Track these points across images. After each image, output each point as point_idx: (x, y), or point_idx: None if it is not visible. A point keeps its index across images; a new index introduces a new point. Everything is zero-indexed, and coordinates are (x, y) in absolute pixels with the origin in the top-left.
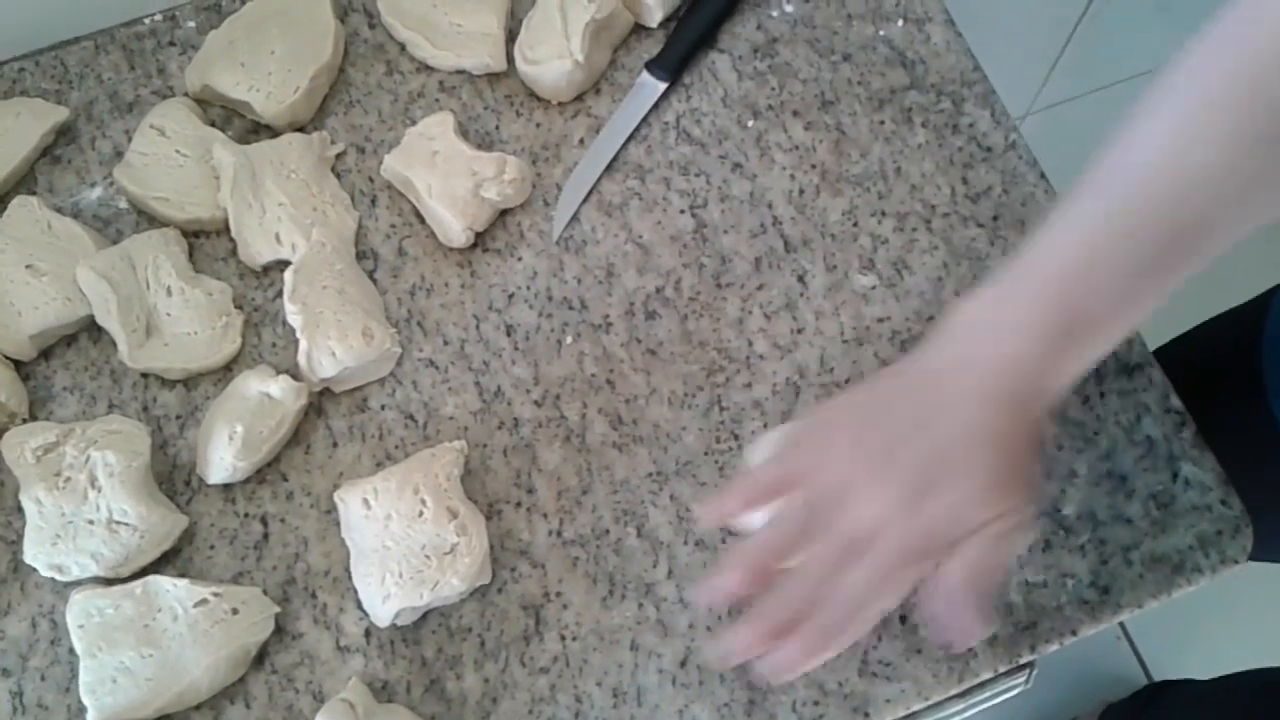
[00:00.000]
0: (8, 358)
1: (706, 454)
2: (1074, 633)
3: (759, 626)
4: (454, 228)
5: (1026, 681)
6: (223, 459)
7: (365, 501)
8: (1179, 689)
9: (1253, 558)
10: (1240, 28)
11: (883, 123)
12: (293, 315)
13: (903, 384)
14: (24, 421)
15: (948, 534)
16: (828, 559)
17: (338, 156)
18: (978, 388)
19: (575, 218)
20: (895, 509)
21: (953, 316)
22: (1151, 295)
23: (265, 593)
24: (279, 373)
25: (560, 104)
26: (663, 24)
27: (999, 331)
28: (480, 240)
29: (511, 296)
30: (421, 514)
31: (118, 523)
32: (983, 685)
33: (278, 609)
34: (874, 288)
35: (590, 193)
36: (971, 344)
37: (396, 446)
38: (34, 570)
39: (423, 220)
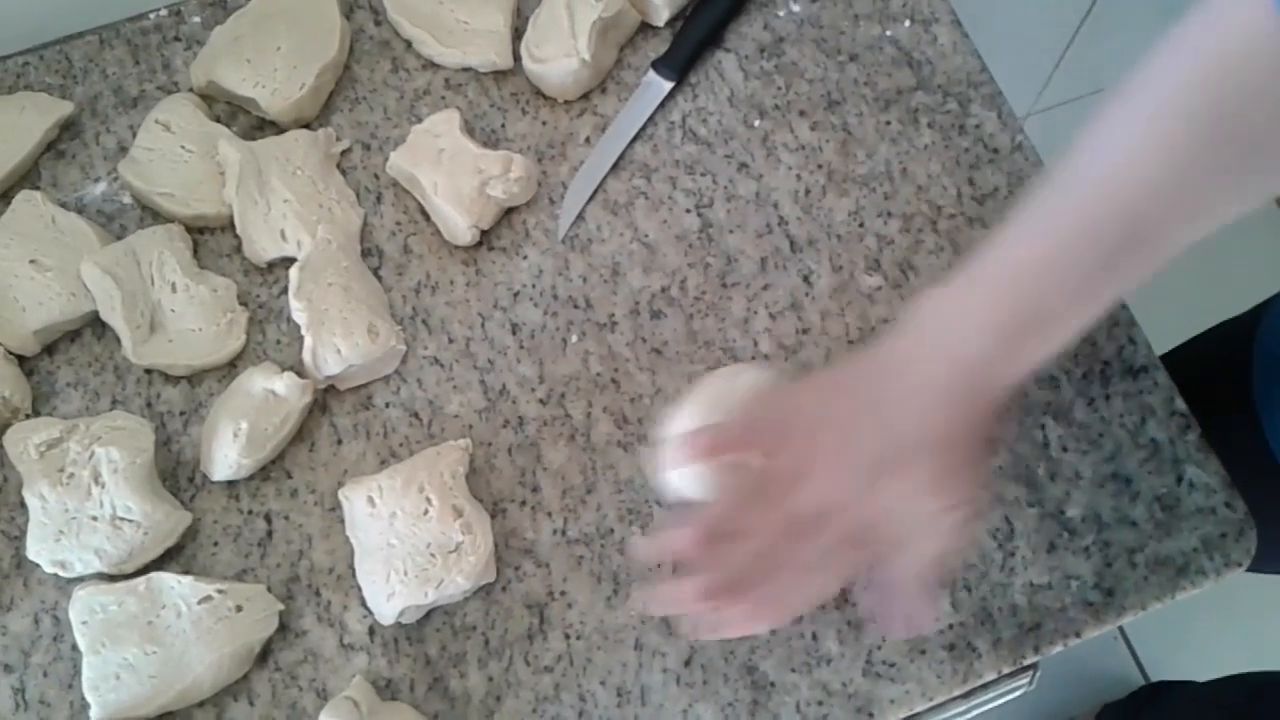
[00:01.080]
0: (11, 353)
1: None
2: (1078, 634)
3: (700, 585)
4: (459, 225)
5: (1030, 683)
6: (227, 456)
7: (370, 499)
8: (1175, 690)
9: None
10: (1200, 34)
11: (889, 123)
12: (298, 312)
13: (863, 371)
14: (27, 417)
15: (897, 520)
16: (778, 531)
17: (343, 153)
18: (934, 382)
19: (581, 216)
20: (848, 492)
21: (917, 308)
22: (1109, 292)
23: (269, 590)
24: (284, 370)
25: (566, 102)
26: (669, 23)
27: (960, 327)
28: (486, 238)
29: (517, 295)
30: (426, 512)
31: (121, 519)
32: (986, 686)
33: (282, 606)
34: (879, 288)
35: (596, 191)
36: (932, 337)
37: (401, 444)
38: (37, 566)
39: (428, 218)
